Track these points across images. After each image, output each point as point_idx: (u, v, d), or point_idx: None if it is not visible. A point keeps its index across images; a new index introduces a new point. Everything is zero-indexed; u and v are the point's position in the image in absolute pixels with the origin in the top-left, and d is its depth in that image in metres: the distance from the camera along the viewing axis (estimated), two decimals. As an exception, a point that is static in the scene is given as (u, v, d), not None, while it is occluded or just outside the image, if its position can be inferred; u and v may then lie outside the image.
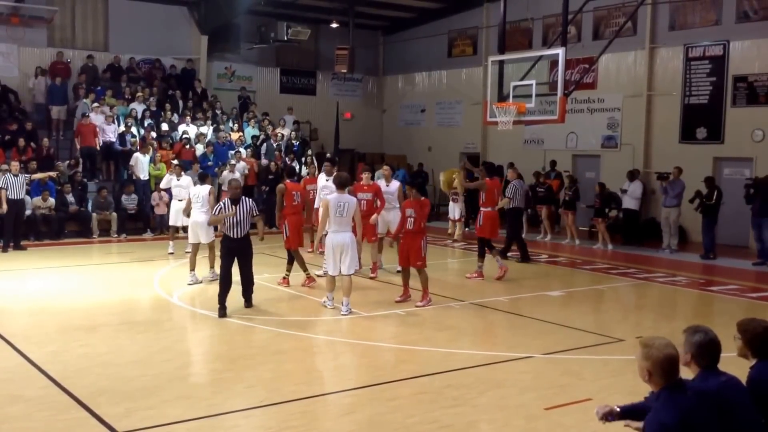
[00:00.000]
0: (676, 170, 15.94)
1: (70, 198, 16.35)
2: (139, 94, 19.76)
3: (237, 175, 17.97)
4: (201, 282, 11.37)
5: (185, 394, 6.35)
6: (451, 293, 10.98)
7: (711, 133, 17.19)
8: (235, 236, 9.31)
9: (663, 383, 3.54)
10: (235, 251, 9.32)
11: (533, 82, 13.94)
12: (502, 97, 14.22)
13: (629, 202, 16.65)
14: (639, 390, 6.56)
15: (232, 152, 18.85)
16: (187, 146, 18.63)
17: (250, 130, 20.77)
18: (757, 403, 3.84)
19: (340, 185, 9.76)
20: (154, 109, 19.75)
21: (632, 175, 16.78)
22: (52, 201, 15.94)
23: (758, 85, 16.39)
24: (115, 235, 16.51)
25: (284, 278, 11.37)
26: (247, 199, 9.67)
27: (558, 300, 10.88)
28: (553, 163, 19.41)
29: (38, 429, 5.49)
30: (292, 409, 6.03)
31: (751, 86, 16.50)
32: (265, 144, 20.08)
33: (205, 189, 11.59)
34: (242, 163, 18.46)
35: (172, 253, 14.07)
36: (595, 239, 16.74)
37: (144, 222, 17.20)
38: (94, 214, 16.52)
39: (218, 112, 21.12)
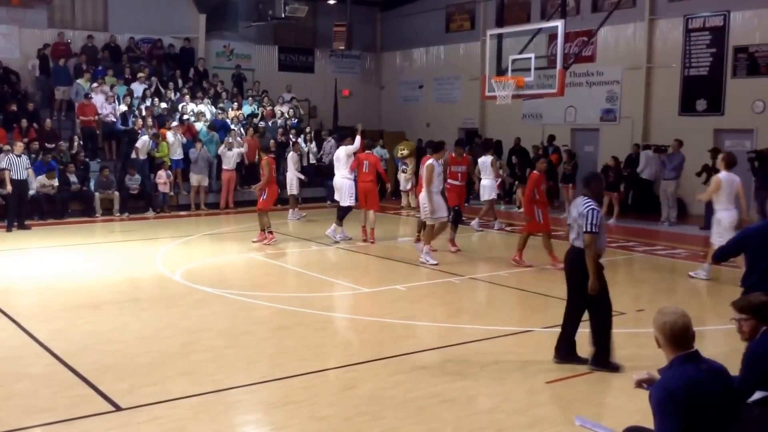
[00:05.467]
0: (676, 143, 15.90)
1: (73, 178, 16.40)
2: (141, 74, 19.72)
3: (234, 152, 18.03)
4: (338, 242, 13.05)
5: (188, 370, 6.40)
6: (450, 268, 11.03)
7: (711, 104, 17.14)
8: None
9: (673, 351, 3.54)
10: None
11: (532, 55, 13.86)
12: (500, 71, 14.15)
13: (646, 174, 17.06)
14: (640, 363, 6.65)
15: (231, 129, 18.86)
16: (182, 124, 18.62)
17: (248, 108, 20.74)
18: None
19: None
20: (154, 88, 19.70)
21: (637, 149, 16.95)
22: (56, 182, 15.96)
23: (759, 56, 16.30)
24: (118, 214, 16.59)
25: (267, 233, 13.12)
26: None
27: (558, 273, 10.88)
28: (552, 138, 19.37)
29: (44, 406, 5.55)
30: (294, 384, 6.09)
31: (752, 57, 16.41)
32: (262, 122, 20.07)
33: (343, 150, 13.33)
34: (239, 140, 18.47)
35: (299, 218, 16.18)
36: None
37: (146, 201, 17.25)
38: (96, 194, 16.60)
39: (219, 90, 21.08)
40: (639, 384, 4.01)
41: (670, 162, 15.72)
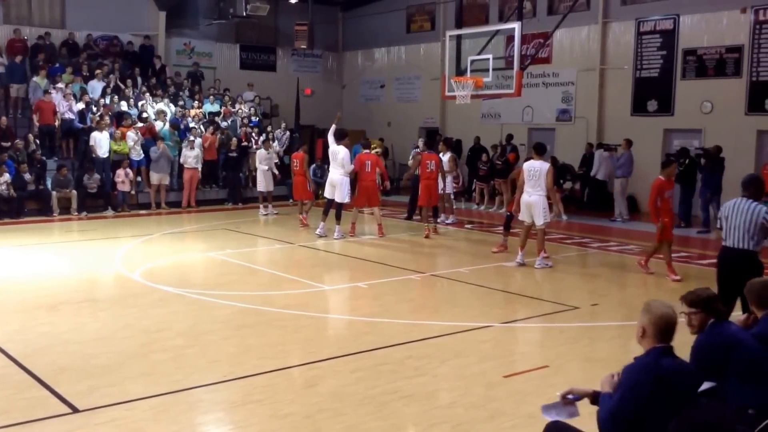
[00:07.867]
0: (625, 142, 16.39)
1: (27, 176, 16.07)
2: (98, 71, 19.43)
3: (196, 151, 17.90)
4: (326, 236, 13.39)
5: (148, 370, 6.36)
6: (411, 265, 11.16)
7: (661, 105, 17.63)
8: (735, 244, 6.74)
9: (655, 342, 3.65)
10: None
11: (490, 56, 14.08)
12: (460, 72, 14.34)
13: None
14: (594, 356, 6.86)
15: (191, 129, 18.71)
16: (144, 123, 18.39)
17: (209, 106, 20.61)
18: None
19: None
20: (113, 86, 19.43)
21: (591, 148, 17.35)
22: (7, 176, 15.59)
23: (707, 58, 16.81)
24: (76, 213, 16.34)
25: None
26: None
27: (516, 270, 11.13)
28: (510, 137, 19.67)
29: (-1, 408, 5.48)
30: (256, 382, 6.10)
31: (701, 59, 16.92)
32: (224, 121, 19.96)
33: (343, 149, 13.44)
34: (200, 140, 18.34)
35: (268, 215, 16.68)
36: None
37: (105, 200, 17.01)
38: (54, 192, 16.32)
39: (182, 87, 20.89)
40: (564, 397, 3.93)
41: (618, 161, 16.27)
